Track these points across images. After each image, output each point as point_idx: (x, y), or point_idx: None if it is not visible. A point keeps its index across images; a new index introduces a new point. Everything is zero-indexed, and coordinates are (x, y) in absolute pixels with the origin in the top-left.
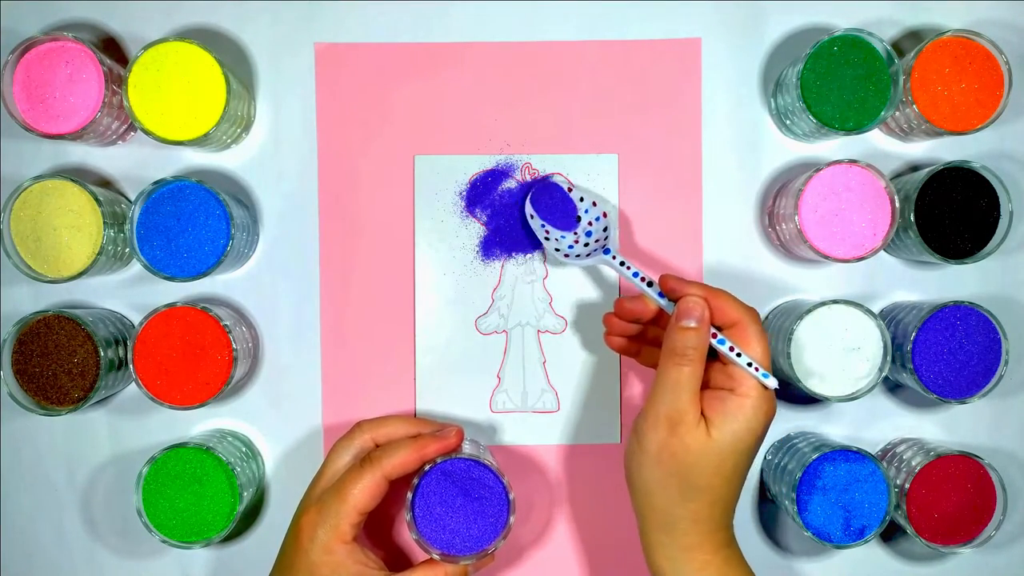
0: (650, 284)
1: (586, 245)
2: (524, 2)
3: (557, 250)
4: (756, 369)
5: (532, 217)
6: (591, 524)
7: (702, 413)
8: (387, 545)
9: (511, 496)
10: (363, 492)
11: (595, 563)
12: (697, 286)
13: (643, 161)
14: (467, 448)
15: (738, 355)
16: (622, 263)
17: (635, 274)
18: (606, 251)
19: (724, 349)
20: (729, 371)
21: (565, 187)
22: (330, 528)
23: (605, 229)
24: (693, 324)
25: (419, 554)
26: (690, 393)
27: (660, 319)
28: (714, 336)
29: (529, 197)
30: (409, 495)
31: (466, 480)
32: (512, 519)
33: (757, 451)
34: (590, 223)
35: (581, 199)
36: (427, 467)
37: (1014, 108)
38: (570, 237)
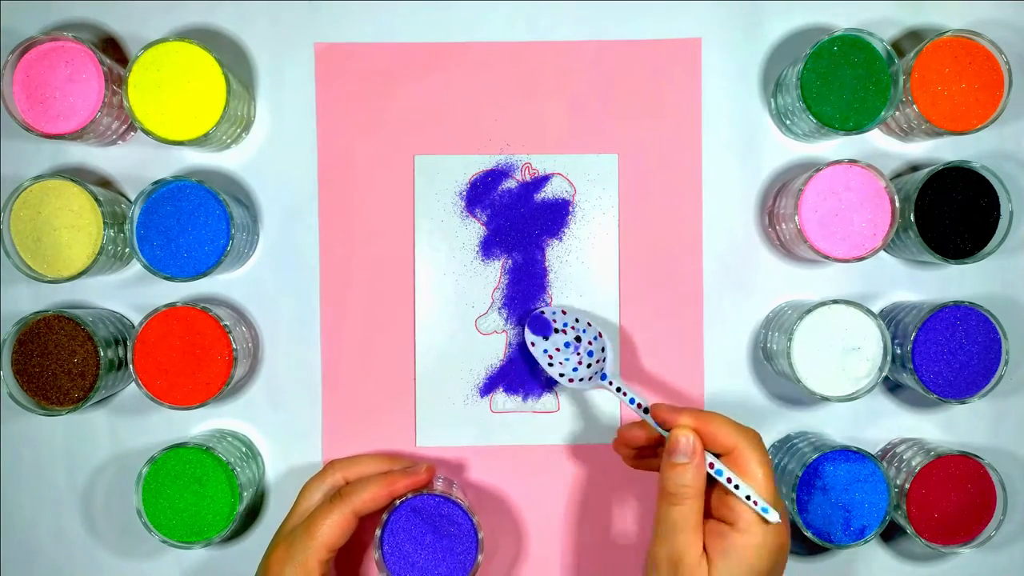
0: (646, 410)
1: (588, 366)
2: (524, 2)
3: (562, 375)
4: (755, 503)
5: (533, 345)
6: (591, 524)
7: (705, 549)
8: None
9: (480, 534)
10: (332, 528)
11: (594, 563)
12: (688, 414)
13: (643, 161)
14: (438, 485)
15: (736, 487)
16: (619, 389)
17: (632, 400)
18: (603, 376)
19: (722, 480)
20: (730, 502)
21: (559, 311)
22: (298, 565)
23: (604, 349)
24: (684, 459)
25: None
26: (688, 533)
27: None
28: (711, 466)
29: (527, 326)
30: (378, 531)
31: (435, 516)
32: (480, 557)
33: None
34: (590, 342)
35: (577, 320)
36: (397, 503)
37: (1014, 108)
38: (574, 359)
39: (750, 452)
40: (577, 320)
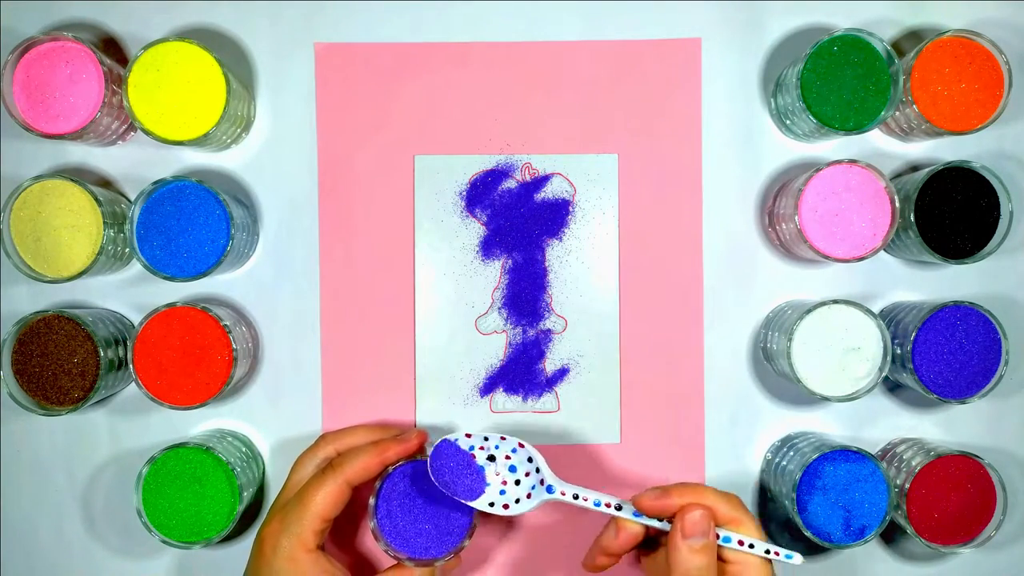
0: (619, 507)
1: (518, 483)
2: (524, 2)
3: (492, 504)
4: (777, 553)
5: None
6: (590, 524)
7: None
8: (353, 552)
9: None
10: (325, 498)
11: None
12: (677, 492)
13: (643, 161)
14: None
15: (751, 546)
16: (576, 496)
17: (597, 503)
18: (549, 488)
19: (732, 545)
20: (730, 569)
21: (462, 435)
22: (293, 536)
23: (530, 460)
24: (703, 541)
25: (385, 560)
26: None
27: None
28: (717, 536)
29: (431, 473)
30: (372, 500)
31: (429, 482)
32: (476, 520)
33: None
34: (507, 456)
35: (486, 438)
36: (390, 470)
37: (1014, 108)
38: (495, 481)
39: (743, 514)
40: (486, 438)
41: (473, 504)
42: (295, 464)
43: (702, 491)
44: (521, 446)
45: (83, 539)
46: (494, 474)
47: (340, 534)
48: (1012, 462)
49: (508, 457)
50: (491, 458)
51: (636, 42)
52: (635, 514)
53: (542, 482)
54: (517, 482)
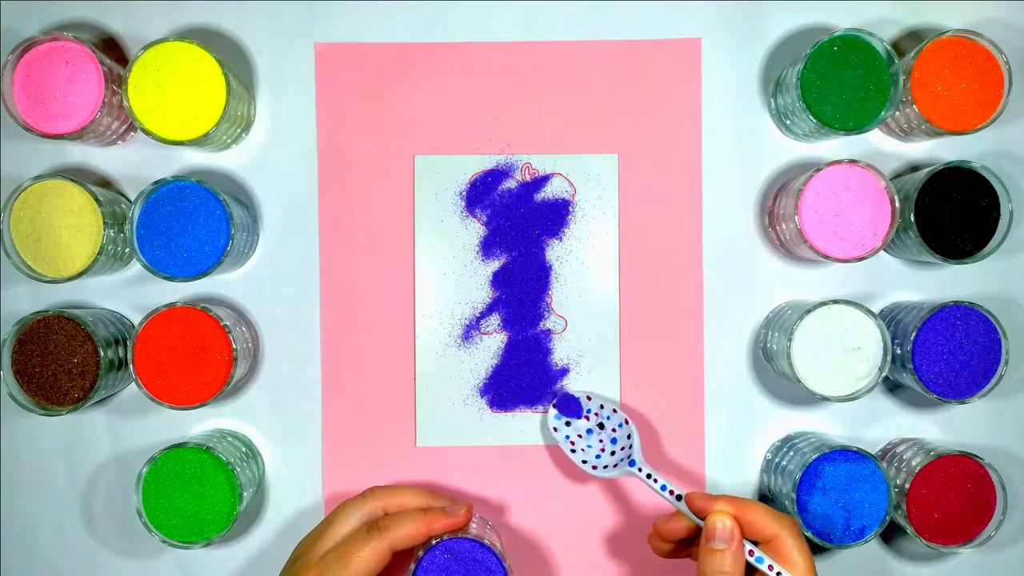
0: (679, 497)
1: (612, 454)
2: (524, 2)
3: (584, 462)
4: None
5: (556, 430)
6: (591, 524)
7: None
8: None
9: None
10: (367, 560)
11: (596, 561)
12: (725, 500)
13: (643, 161)
14: (474, 528)
15: (778, 574)
16: (649, 475)
17: (663, 487)
18: (631, 463)
19: (763, 568)
20: None
21: (584, 397)
22: None
23: (629, 436)
24: (722, 546)
25: None
26: None
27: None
28: (751, 554)
29: (552, 411)
30: (412, 566)
31: (469, 561)
32: None
33: None
34: (614, 429)
35: (601, 406)
36: (433, 542)
37: (1014, 108)
38: (596, 445)
39: (790, 540)
40: (602, 406)
41: (576, 453)
42: (338, 511)
43: (748, 504)
44: (627, 422)
45: (83, 539)
46: (597, 440)
47: None
48: (1012, 462)
49: (614, 430)
50: (600, 426)
51: (636, 42)
52: (689, 508)
53: (629, 456)
54: (612, 452)
